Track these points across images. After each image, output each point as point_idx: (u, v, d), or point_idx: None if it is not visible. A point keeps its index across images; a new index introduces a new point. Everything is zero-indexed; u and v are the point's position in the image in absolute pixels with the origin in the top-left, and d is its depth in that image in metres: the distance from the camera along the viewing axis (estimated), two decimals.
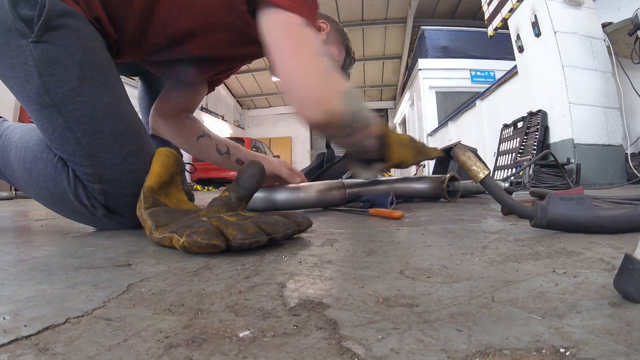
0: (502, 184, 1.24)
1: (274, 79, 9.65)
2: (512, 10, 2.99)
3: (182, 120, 0.90)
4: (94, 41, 0.58)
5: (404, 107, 9.08)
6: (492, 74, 6.36)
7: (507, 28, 3.14)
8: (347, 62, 1.04)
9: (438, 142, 5.74)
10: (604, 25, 2.60)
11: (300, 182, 0.97)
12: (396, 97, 11.11)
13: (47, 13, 0.53)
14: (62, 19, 0.54)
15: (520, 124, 2.94)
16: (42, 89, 0.54)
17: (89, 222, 0.66)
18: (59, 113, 0.55)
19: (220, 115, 9.80)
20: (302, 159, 11.39)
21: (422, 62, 6.93)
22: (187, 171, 1.18)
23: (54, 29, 0.54)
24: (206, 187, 7.04)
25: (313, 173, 1.43)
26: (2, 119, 0.74)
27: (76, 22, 0.56)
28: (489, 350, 0.17)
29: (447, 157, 2.06)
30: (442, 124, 5.97)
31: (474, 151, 1.78)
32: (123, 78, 0.70)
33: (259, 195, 0.98)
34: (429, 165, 5.86)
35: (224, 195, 0.57)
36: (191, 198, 0.75)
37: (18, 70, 0.55)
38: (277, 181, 0.97)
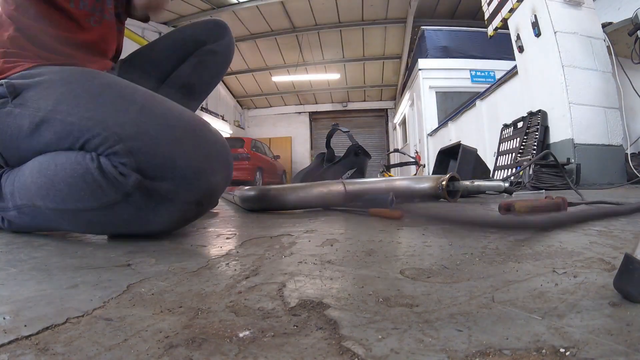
0: (502, 183, 1.24)
1: (275, 79, 9.56)
2: (512, 10, 2.99)
3: None
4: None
5: (404, 107, 9.08)
6: (492, 74, 6.36)
7: (507, 28, 3.14)
8: None
9: (438, 142, 5.73)
10: (604, 25, 2.59)
11: None
12: (396, 97, 11.11)
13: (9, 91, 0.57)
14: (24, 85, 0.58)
15: (520, 124, 2.94)
16: (35, 113, 0.56)
17: (116, 214, 0.51)
18: (56, 113, 0.54)
19: (221, 115, 9.80)
20: (302, 159, 11.38)
21: (422, 62, 6.93)
22: None
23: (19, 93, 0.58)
24: None
25: (313, 173, 1.44)
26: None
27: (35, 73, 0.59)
28: (489, 350, 0.17)
29: (447, 157, 2.06)
30: (442, 124, 5.96)
31: (474, 151, 1.78)
32: None
33: (257, 194, 0.98)
34: (429, 166, 5.86)
35: None
36: None
37: (12, 128, 0.58)
38: None
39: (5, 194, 0.62)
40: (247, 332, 0.21)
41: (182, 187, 0.51)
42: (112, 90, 0.55)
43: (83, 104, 0.53)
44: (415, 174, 5.51)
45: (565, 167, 2.25)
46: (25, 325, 0.22)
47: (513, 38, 3.03)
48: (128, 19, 0.85)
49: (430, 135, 6.51)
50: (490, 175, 2.38)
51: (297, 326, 0.21)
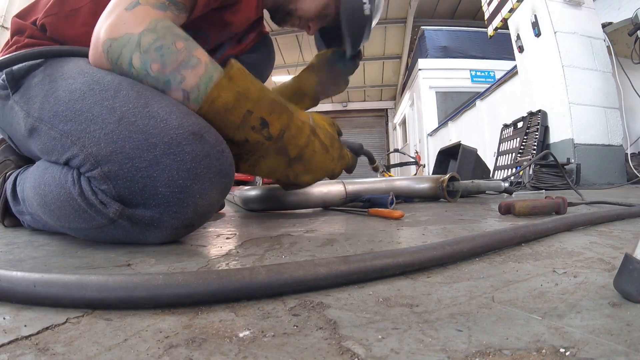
0: (502, 183, 1.24)
1: (275, 79, 9.61)
2: (512, 10, 2.99)
3: None
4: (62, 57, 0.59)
5: (404, 107, 9.08)
6: (492, 74, 6.36)
7: (507, 28, 3.14)
8: None
9: (438, 142, 5.73)
10: (604, 25, 2.60)
11: None
12: (396, 97, 11.12)
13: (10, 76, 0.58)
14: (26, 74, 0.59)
15: (520, 124, 2.94)
16: (26, 117, 0.55)
17: (109, 234, 0.50)
18: (42, 122, 0.53)
19: None
20: None
21: (422, 62, 6.93)
22: None
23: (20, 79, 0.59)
24: None
25: None
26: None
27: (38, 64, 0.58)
28: (489, 350, 0.17)
29: (447, 157, 2.06)
30: (442, 124, 5.97)
31: (474, 151, 1.78)
32: None
33: (257, 194, 0.98)
34: (429, 166, 5.86)
35: None
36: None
37: (15, 125, 0.59)
38: None
39: (19, 199, 0.64)
40: (247, 332, 0.21)
41: (167, 214, 0.46)
42: (92, 93, 0.50)
43: (62, 113, 0.50)
44: (415, 174, 5.51)
45: (565, 167, 2.25)
46: (25, 325, 0.22)
47: (513, 38, 3.03)
48: None
49: (430, 135, 6.51)
50: (490, 175, 2.38)
51: (297, 326, 0.21)
